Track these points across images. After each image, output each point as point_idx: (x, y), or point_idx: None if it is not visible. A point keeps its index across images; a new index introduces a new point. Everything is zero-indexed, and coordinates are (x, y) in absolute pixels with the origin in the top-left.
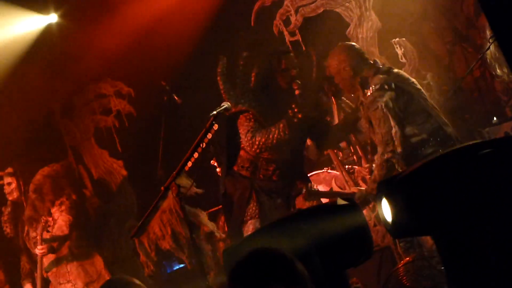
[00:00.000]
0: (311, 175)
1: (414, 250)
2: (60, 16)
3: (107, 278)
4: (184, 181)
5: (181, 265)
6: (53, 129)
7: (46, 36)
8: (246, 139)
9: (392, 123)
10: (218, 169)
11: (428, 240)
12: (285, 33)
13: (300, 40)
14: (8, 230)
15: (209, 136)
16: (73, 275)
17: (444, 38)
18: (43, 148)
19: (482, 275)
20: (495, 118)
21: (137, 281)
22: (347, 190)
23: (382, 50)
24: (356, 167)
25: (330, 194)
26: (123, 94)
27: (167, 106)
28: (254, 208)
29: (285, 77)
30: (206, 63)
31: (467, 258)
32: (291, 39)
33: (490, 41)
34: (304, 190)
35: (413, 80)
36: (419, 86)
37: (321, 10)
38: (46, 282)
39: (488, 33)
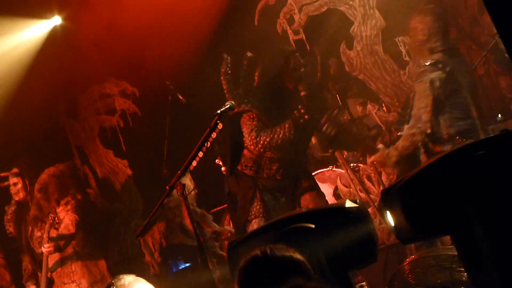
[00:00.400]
0: (316, 174)
1: (426, 247)
2: (64, 19)
3: (111, 278)
4: (188, 182)
5: (187, 264)
6: (58, 130)
7: (51, 39)
8: (250, 138)
9: (429, 102)
10: (223, 168)
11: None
12: (289, 31)
13: (304, 38)
14: (11, 229)
15: (214, 135)
16: (78, 275)
17: (449, 35)
18: (48, 148)
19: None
20: (499, 115)
21: (144, 281)
22: (353, 188)
23: (386, 48)
24: (361, 165)
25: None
26: (128, 93)
27: (171, 105)
28: (258, 207)
29: (292, 77)
30: (211, 62)
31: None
32: (295, 37)
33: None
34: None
35: (469, 72)
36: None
37: (325, 8)
38: (50, 282)
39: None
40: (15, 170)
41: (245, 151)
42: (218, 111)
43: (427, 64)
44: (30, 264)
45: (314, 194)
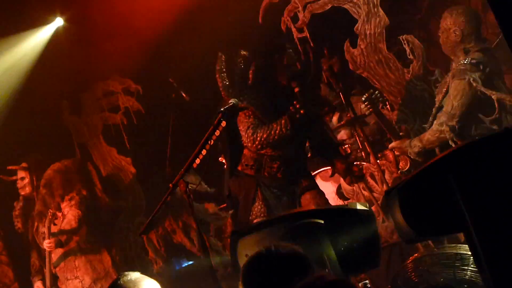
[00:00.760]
0: (319, 172)
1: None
2: (66, 20)
3: (115, 275)
4: (192, 178)
5: (190, 262)
6: (62, 127)
7: (54, 39)
8: (246, 136)
9: (467, 101)
10: (226, 166)
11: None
12: (293, 29)
13: (308, 36)
14: (19, 225)
15: (217, 133)
16: (81, 271)
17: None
18: (54, 145)
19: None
20: None
21: (149, 278)
22: (356, 187)
23: (390, 46)
24: (365, 163)
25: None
26: (131, 91)
27: (175, 103)
28: (260, 207)
29: (285, 73)
30: (215, 59)
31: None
32: (299, 35)
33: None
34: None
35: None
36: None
37: (329, 6)
38: (55, 278)
39: None
40: (24, 164)
41: (245, 151)
42: (222, 109)
43: (467, 62)
44: (37, 260)
45: (314, 193)
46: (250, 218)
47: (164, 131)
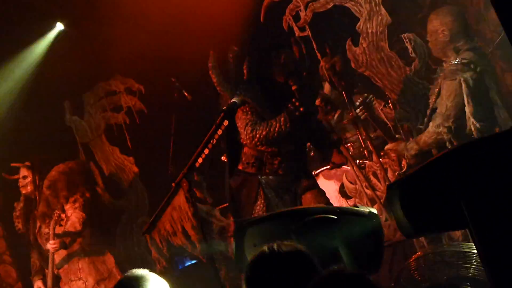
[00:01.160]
0: (321, 171)
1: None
2: (66, 25)
3: (118, 276)
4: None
5: (193, 261)
6: (65, 127)
7: (56, 42)
8: (245, 133)
9: (460, 101)
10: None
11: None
12: (295, 28)
13: (310, 35)
14: (20, 225)
15: (220, 132)
16: (85, 272)
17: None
18: (57, 145)
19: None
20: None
21: (156, 275)
22: (359, 185)
23: (392, 44)
24: (367, 162)
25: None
26: (134, 90)
27: (177, 102)
28: (261, 205)
29: (281, 71)
30: (218, 60)
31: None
32: (301, 34)
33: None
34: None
35: (496, 73)
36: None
37: (331, 5)
38: (56, 279)
39: None
40: (27, 163)
41: (245, 149)
42: (224, 108)
43: (458, 62)
44: (38, 260)
45: (315, 192)
46: (252, 216)
47: (167, 131)
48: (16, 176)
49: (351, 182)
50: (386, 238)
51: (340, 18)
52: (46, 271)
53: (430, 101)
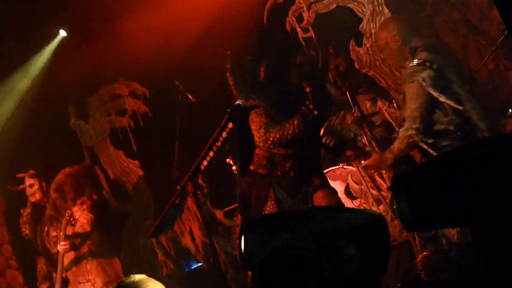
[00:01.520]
0: (327, 171)
1: (432, 245)
2: (69, 32)
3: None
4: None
5: (199, 264)
6: (70, 131)
7: (59, 47)
8: (259, 135)
9: (423, 101)
10: (233, 167)
11: (450, 233)
12: (298, 29)
13: (313, 36)
14: (27, 231)
15: (224, 134)
16: (93, 274)
17: (457, 31)
18: (63, 150)
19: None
20: (510, 110)
21: (154, 280)
22: (364, 186)
23: None
24: None
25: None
26: (138, 94)
27: (181, 105)
28: (271, 206)
29: (297, 72)
30: (219, 60)
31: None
32: (304, 35)
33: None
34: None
35: (457, 69)
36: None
37: (334, 6)
38: (65, 282)
39: None
40: (31, 171)
41: (258, 150)
42: (228, 110)
43: (414, 64)
44: (45, 266)
45: (326, 191)
46: None
47: (171, 133)
48: (22, 187)
49: (356, 183)
50: (392, 238)
51: (343, 19)
52: (54, 275)
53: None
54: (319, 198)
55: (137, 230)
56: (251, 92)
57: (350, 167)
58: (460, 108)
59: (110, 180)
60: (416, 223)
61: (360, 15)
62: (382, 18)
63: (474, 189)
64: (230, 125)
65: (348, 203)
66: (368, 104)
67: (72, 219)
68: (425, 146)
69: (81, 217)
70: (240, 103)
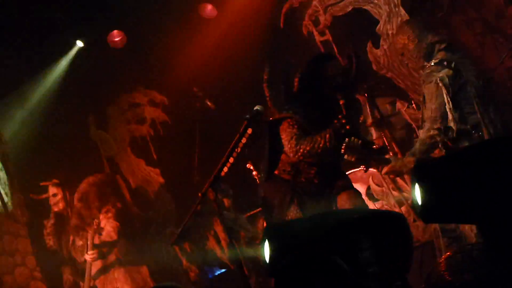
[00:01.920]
0: (348, 174)
1: (456, 245)
2: (86, 43)
3: (152, 285)
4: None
5: (223, 270)
6: (90, 142)
7: (76, 59)
8: (289, 146)
9: (443, 101)
10: (254, 173)
11: (471, 233)
12: (315, 33)
13: (331, 39)
14: (51, 243)
15: (244, 140)
16: (121, 282)
17: (474, 29)
18: (83, 160)
19: None
20: None
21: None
22: (385, 187)
23: None
24: None
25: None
26: (157, 102)
27: (200, 112)
28: (295, 211)
29: (330, 84)
30: (240, 67)
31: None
32: (321, 39)
33: None
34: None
35: (474, 68)
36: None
37: (350, 8)
38: None
39: None
40: (55, 180)
41: (283, 156)
42: (247, 116)
43: (432, 64)
44: (71, 276)
45: (351, 193)
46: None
47: (191, 141)
48: (44, 195)
49: (377, 185)
50: (415, 239)
51: (360, 21)
52: (82, 284)
53: (421, 111)
54: (343, 200)
55: (161, 237)
56: (285, 104)
57: (371, 169)
58: (471, 111)
59: (132, 189)
60: (438, 215)
61: (376, 16)
62: (399, 19)
63: (486, 187)
64: (249, 131)
65: (369, 205)
66: (389, 107)
67: (100, 228)
68: (445, 149)
69: (107, 225)
70: (259, 108)
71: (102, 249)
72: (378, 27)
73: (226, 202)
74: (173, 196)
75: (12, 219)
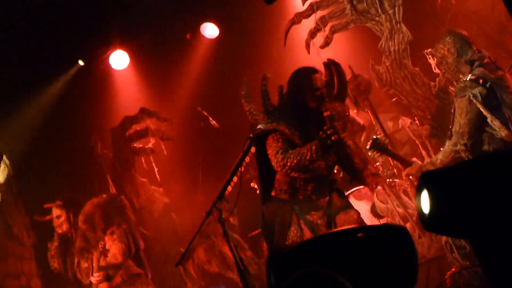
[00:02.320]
0: (352, 191)
1: (467, 260)
2: (86, 62)
3: None
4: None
5: None
6: (95, 163)
7: (78, 78)
8: (276, 161)
9: (472, 118)
10: (258, 191)
11: None
12: (317, 50)
13: (332, 57)
14: (55, 265)
15: (247, 159)
16: None
17: (476, 44)
18: (87, 181)
19: None
20: None
21: None
22: (390, 204)
23: (415, 61)
24: (397, 180)
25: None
26: (160, 122)
27: (204, 131)
28: (295, 231)
29: (314, 96)
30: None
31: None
32: (323, 56)
33: None
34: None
35: (509, 87)
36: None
37: (352, 26)
38: None
39: None
40: (58, 202)
41: (278, 176)
42: (251, 135)
43: (467, 79)
44: None
45: (349, 213)
46: (286, 243)
47: (195, 160)
48: (48, 217)
49: (382, 202)
50: (420, 255)
51: (361, 38)
52: None
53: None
54: (341, 220)
55: (165, 258)
56: (267, 118)
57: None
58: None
59: (136, 209)
60: (443, 224)
61: (378, 34)
62: (401, 36)
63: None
64: (253, 149)
65: (374, 222)
66: (391, 124)
67: (106, 250)
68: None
69: (112, 247)
70: (262, 127)
71: (108, 271)
72: (380, 43)
73: (232, 220)
74: (177, 216)
75: (17, 242)
